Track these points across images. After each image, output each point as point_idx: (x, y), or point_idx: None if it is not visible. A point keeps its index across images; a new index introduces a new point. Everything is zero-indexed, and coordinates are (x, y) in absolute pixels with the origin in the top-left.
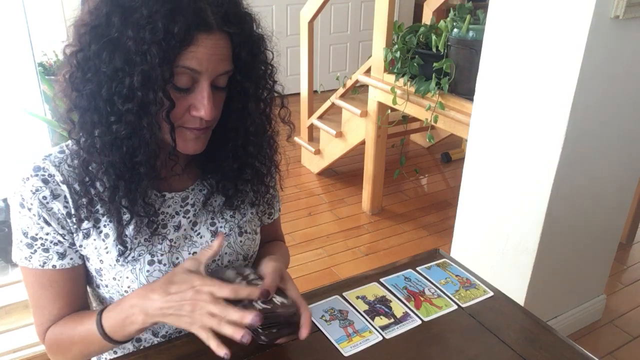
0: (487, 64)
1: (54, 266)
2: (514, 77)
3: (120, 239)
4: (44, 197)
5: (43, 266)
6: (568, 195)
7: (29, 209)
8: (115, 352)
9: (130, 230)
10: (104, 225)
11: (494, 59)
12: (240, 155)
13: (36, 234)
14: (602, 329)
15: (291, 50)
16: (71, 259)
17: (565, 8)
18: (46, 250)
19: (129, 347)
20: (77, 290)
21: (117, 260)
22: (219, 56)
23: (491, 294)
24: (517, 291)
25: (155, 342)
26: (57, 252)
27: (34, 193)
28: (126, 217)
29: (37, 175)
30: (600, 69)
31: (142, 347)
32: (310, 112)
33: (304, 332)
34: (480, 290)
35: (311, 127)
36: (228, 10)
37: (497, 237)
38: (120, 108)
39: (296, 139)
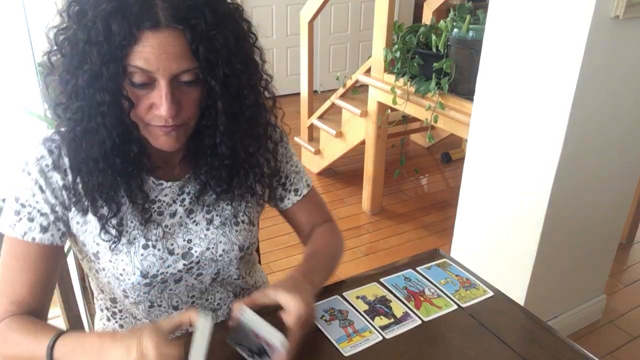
0: (487, 64)
1: (33, 238)
2: (514, 77)
3: (105, 226)
4: (46, 165)
5: (23, 236)
6: (568, 195)
7: (29, 173)
8: None
9: (126, 214)
10: (101, 206)
11: (494, 59)
12: (218, 153)
13: (26, 200)
14: (602, 329)
15: (291, 50)
16: (52, 235)
17: (565, 8)
18: (31, 220)
19: None
20: (45, 273)
21: (114, 242)
22: (169, 54)
23: (491, 294)
24: (517, 291)
25: None
26: (40, 225)
27: (37, 159)
28: (105, 207)
29: (43, 145)
30: (600, 69)
31: None
32: (310, 112)
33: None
34: (480, 290)
35: (311, 127)
36: (179, 4)
37: (497, 237)
38: (74, 107)
39: (296, 139)
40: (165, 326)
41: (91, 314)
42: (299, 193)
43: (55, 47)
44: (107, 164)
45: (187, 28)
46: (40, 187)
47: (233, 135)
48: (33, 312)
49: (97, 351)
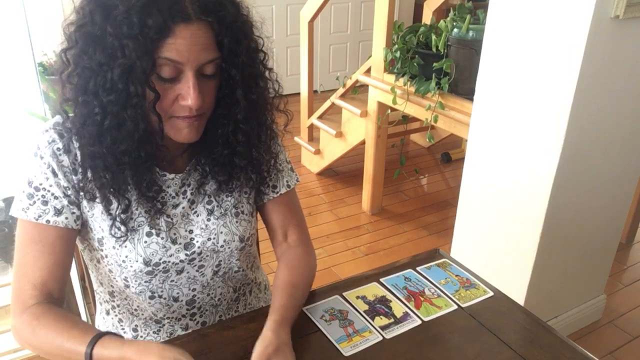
0: (487, 64)
1: (47, 221)
2: (514, 77)
3: (114, 220)
4: (58, 149)
5: (37, 219)
6: (568, 195)
7: (41, 157)
8: None
9: (132, 203)
10: (108, 197)
11: (494, 59)
12: (231, 142)
13: (40, 184)
14: (602, 329)
15: (291, 50)
16: (66, 218)
17: (565, 8)
18: (45, 203)
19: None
20: (63, 255)
21: (119, 229)
22: (199, 46)
23: (491, 294)
24: (517, 291)
25: (152, 338)
26: (54, 207)
27: (49, 143)
28: (114, 202)
29: (54, 129)
30: (600, 69)
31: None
32: (310, 112)
33: None
34: (480, 290)
35: (311, 127)
36: None
37: (497, 237)
38: (104, 101)
39: (296, 138)
40: None
41: (91, 314)
42: (276, 190)
43: (77, 43)
44: (132, 157)
45: (215, 20)
46: (53, 171)
47: (250, 123)
48: (54, 296)
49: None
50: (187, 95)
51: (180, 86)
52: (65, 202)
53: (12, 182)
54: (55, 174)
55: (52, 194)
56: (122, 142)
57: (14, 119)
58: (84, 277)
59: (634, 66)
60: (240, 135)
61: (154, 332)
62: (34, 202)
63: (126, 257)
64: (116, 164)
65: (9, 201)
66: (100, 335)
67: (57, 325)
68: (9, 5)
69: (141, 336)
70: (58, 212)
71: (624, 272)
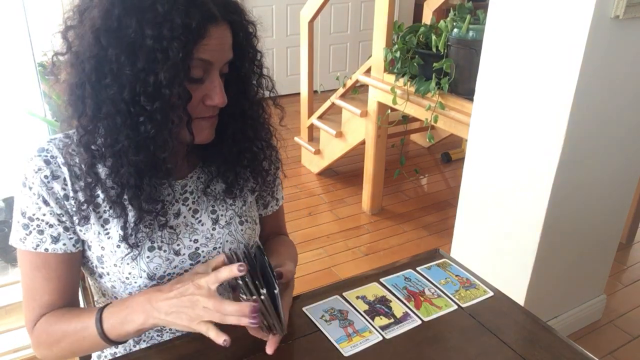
0: (487, 64)
1: (46, 249)
2: (514, 77)
3: (124, 231)
4: (45, 177)
5: (36, 249)
6: (568, 195)
7: (30, 188)
8: (116, 347)
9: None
10: (104, 211)
11: (494, 59)
12: (239, 139)
13: (33, 214)
14: (602, 329)
15: (291, 50)
16: (64, 244)
17: (565, 8)
18: (41, 232)
19: (129, 342)
20: (69, 276)
21: (118, 247)
22: (225, 45)
23: (491, 294)
24: (517, 291)
25: (156, 341)
26: (51, 235)
27: (36, 172)
28: (132, 213)
29: (39, 156)
30: (600, 69)
31: (142, 344)
32: (310, 112)
33: (268, 349)
34: (480, 290)
35: (311, 127)
36: (224, 0)
37: (497, 237)
38: (147, 107)
39: (296, 139)
40: (212, 263)
41: None
42: (278, 203)
43: (105, 50)
44: (171, 163)
45: (234, 21)
46: (44, 200)
47: (256, 119)
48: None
49: (147, 298)
50: (214, 94)
51: (205, 86)
52: (60, 229)
53: (12, 182)
54: (46, 203)
55: (47, 223)
56: (165, 146)
57: (14, 119)
58: (84, 277)
59: (633, 66)
60: (250, 131)
61: (157, 333)
62: (30, 232)
63: (129, 273)
64: (153, 170)
65: (8, 201)
66: (107, 304)
67: (65, 317)
68: (9, 5)
69: (143, 340)
70: (55, 240)
71: (624, 272)
